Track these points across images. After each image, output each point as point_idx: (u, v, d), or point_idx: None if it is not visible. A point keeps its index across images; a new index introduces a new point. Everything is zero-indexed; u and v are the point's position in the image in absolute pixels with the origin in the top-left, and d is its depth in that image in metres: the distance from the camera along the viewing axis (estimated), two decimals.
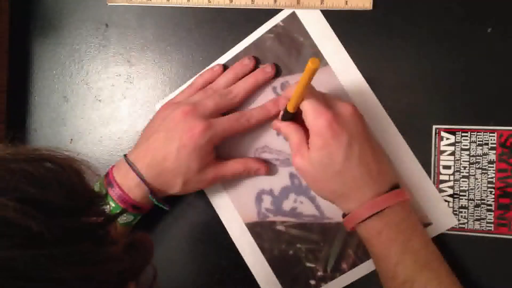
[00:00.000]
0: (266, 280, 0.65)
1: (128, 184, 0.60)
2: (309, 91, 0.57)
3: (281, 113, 0.61)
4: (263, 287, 0.66)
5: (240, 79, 0.65)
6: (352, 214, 0.57)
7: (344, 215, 0.59)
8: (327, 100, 0.58)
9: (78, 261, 0.35)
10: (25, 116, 0.74)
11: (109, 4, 0.71)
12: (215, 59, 0.67)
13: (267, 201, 0.66)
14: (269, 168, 0.66)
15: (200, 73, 0.67)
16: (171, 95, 0.69)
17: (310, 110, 0.56)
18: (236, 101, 0.64)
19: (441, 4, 0.61)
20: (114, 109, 0.71)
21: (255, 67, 0.66)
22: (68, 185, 0.37)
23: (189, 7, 0.68)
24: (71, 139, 0.73)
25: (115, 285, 0.38)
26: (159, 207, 0.63)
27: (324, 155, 0.56)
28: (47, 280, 0.33)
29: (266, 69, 0.65)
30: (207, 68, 0.67)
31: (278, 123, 0.61)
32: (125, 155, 0.62)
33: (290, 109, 0.58)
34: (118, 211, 0.60)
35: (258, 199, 0.66)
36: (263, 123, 0.64)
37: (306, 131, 0.58)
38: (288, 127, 0.59)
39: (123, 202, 0.60)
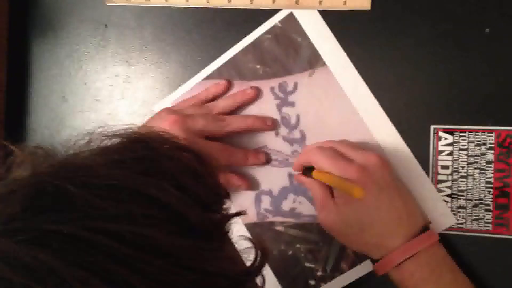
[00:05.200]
0: (266, 281, 0.65)
1: None
2: (330, 145, 0.59)
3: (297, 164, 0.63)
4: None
5: (238, 106, 0.66)
6: (386, 260, 0.57)
7: (373, 260, 0.59)
8: (350, 151, 0.58)
9: (215, 257, 0.35)
10: (24, 116, 0.74)
11: (107, 4, 0.71)
12: (214, 59, 0.67)
13: (266, 202, 0.66)
14: (248, 184, 0.66)
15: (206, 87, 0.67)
16: (170, 95, 0.69)
17: (334, 169, 0.57)
18: (225, 130, 0.63)
19: (439, 4, 0.61)
20: (112, 109, 0.71)
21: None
22: (211, 180, 0.38)
23: (187, 7, 0.68)
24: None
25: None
26: None
27: (353, 209, 0.56)
28: (198, 271, 0.32)
29: (267, 122, 0.65)
30: (214, 83, 0.67)
31: (301, 178, 0.62)
32: None
33: (315, 176, 0.59)
34: None
35: (257, 199, 0.66)
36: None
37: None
38: (312, 183, 0.60)
39: None
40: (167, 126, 0.60)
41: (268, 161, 0.66)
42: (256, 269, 0.40)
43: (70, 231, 0.29)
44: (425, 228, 0.58)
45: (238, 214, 0.41)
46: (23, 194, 0.31)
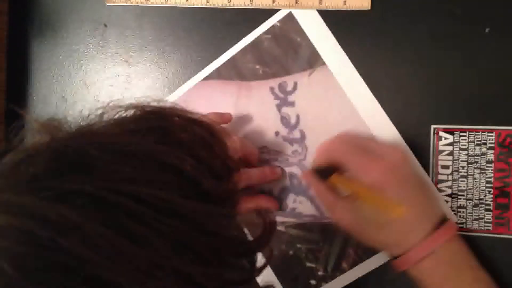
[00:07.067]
0: (267, 281, 0.65)
1: None
2: (353, 140, 0.58)
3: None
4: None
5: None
6: (405, 258, 0.55)
7: (392, 257, 0.58)
8: (373, 148, 0.57)
9: (227, 223, 0.38)
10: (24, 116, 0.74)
11: (107, 4, 0.71)
12: (213, 59, 0.67)
13: None
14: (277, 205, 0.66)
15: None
16: (170, 95, 0.69)
17: (360, 168, 0.56)
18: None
19: (440, 4, 0.61)
20: None
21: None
22: (222, 152, 0.40)
23: (187, 7, 0.68)
24: None
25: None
26: None
27: (372, 208, 0.55)
28: (210, 234, 0.35)
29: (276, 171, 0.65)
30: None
31: (312, 179, 0.60)
32: None
33: (337, 182, 0.58)
34: None
35: None
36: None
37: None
38: (318, 185, 0.59)
39: None
40: None
41: (269, 161, 0.66)
42: (263, 242, 0.42)
43: (91, 191, 0.31)
44: (444, 219, 0.57)
45: (247, 188, 0.42)
46: (45, 157, 0.33)
